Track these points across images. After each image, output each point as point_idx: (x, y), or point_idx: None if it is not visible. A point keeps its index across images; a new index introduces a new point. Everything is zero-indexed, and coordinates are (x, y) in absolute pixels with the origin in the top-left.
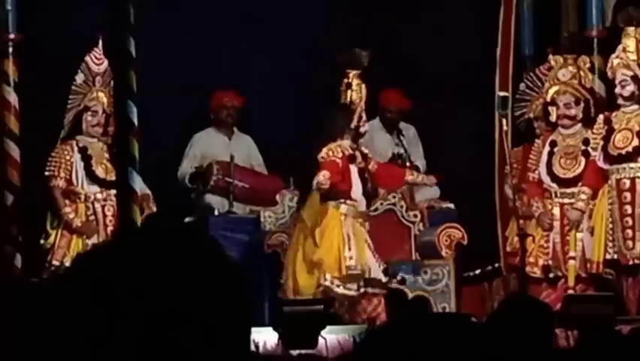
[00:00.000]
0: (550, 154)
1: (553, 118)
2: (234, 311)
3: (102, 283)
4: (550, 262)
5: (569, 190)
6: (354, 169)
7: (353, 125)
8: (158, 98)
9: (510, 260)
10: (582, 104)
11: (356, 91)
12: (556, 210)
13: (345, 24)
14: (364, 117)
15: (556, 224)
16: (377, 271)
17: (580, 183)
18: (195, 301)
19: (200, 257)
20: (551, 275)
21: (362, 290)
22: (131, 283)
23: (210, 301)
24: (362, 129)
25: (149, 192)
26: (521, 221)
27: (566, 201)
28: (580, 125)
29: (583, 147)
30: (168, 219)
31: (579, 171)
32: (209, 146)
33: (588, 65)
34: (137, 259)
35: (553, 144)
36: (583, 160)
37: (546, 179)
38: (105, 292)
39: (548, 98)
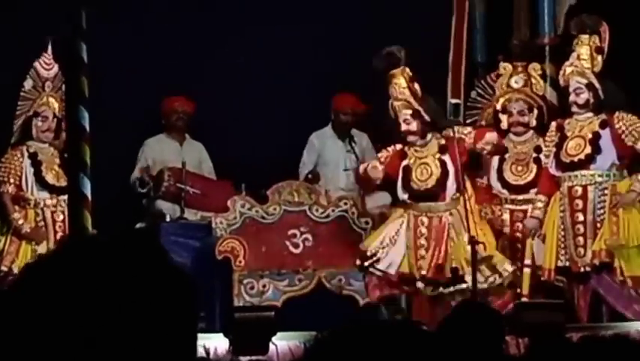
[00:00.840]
0: (501, 160)
1: (504, 125)
2: (180, 319)
3: (47, 293)
4: None
5: (519, 197)
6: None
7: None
8: (109, 102)
9: None
10: (535, 112)
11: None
12: (506, 217)
13: (300, 28)
14: (400, 116)
15: (506, 230)
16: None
17: (532, 191)
18: (140, 309)
19: (146, 265)
20: None
21: None
22: (75, 293)
23: (156, 309)
24: (402, 127)
25: None
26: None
27: (516, 207)
28: (531, 132)
29: (534, 155)
30: (118, 226)
31: (530, 178)
32: (160, 152)
33: (539, 72)
34: (81, 268)
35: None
36: (534, 167)
37: (496, 185)
38: (50, 302)
39: (499, 106)
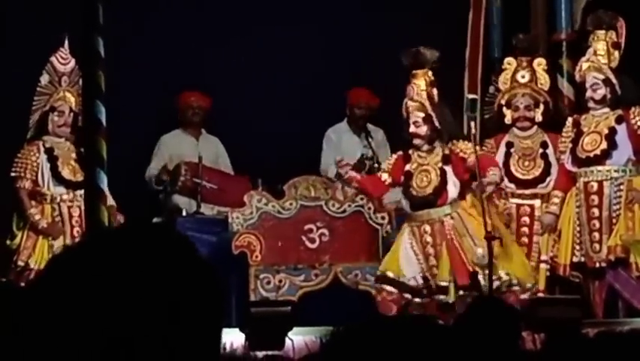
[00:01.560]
0: (507, 155)
1: (508, 120)
2: (206, 310)
3: (76, 285)
4: None
5: (527, 191)
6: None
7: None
8: (126, 97)
9: None
10: (542, 107)
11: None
12: (513, 211)
13: (314, 27)
14: (411, 117)
15: (513, 225)
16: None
17: (540, 185)
18: (168, 300)
19: (174, 256)
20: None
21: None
22: (104, 284)
23: (183, 301)
24: (411, 128)
25: (114, 203)
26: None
27: (523, 202)
28: (536, 127)
29: (541, 150)
30: (137, 219)
31: (537, 173)
32: (177, 147)
33: (544, 67)
34: (109, 260)
35: (509, 145)
36: (542, 163)
37: (504, 180)
38: (79, 294)
39: (503, 101)
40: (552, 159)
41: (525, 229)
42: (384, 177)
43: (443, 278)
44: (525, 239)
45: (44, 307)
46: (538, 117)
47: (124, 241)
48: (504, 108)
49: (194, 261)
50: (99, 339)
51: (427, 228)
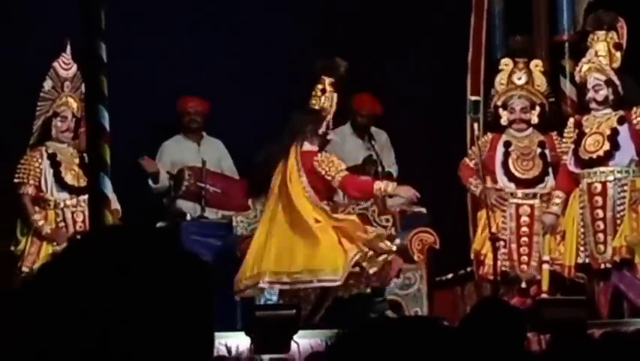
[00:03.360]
0: (506, 155)
1: (504, 121)
2: (194, 303)
3: (60, 290)
4: (507, 264)
5: (528, 191)
6: None
7: (321, 131)
8: (129, 103)
9: (477, 264)
10: (538, 109)
11: (328, 98)
12: (513, 211)
13: (316, 30)
14: (331, 126)
15: (513, 225)
16: None
17: (539, 186)
18: (155, 298)
19: (159, 255)
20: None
21: None
22: (88, 287)
23: (171, 298)
24: (329, 137)
25: (118, 207)
26: (493, 225)
27: (523, 201)
28: (531, 128)
29: (539, 150)
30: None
31: (537, 173)
32: (179, 152)
33: (540, 68)
34: (94, 261)
35: (507, 144)
36: (540, 163)
37: (503, 179)
38: (63, 299)
39: (499, 102)
40: (550, 159)
41: (525, 229)
42: None
43: None
44: (525, 239)
45: (34, 307)
46: (534, 119)
47: (109, 242)
48: (500, 109)
49: (180, 257)
50: (88, 339)
51: None
